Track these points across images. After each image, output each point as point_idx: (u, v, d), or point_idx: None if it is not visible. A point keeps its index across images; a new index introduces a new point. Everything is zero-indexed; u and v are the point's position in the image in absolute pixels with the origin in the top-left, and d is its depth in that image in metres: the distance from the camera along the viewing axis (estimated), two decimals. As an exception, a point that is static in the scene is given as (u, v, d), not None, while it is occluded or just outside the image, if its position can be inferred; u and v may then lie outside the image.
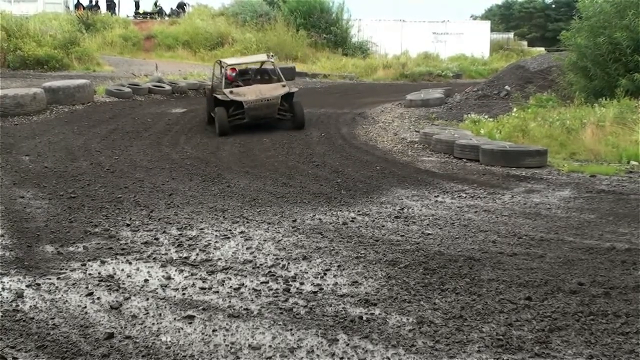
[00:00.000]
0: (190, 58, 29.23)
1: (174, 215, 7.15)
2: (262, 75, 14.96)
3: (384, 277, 5.10)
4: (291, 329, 4.19)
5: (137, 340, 4.05)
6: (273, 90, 13.58)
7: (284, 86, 13.76)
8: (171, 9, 38.53)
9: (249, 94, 13.32)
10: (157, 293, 4.86)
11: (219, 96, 13.34)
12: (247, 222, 6.83)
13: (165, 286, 4.99)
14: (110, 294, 4.84)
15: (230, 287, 4.96)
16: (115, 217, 7.05)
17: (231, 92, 13.24)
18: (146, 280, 5.12)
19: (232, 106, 13.12)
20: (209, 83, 16.31)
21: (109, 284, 5.04)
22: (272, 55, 14.99)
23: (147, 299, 4.73)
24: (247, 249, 5.92)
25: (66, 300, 4.71)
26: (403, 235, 6.29)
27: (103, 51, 27.58)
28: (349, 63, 28.35)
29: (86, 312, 4.49)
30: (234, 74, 14.24)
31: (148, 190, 8.38)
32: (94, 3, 35.91)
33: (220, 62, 14.70)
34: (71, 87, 15.96)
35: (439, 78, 25.99)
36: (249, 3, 33.89)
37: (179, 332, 4.17)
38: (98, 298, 4.75)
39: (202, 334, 4.14)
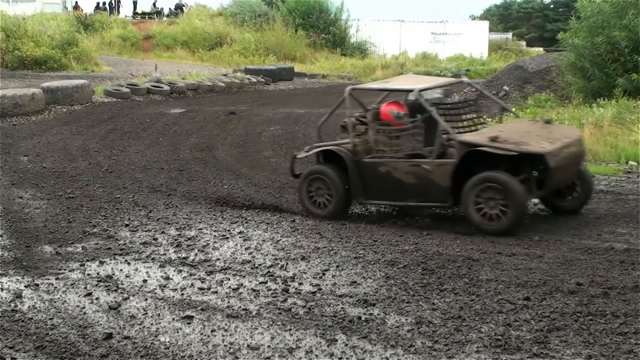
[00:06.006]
0: (189, 58, 29.27)
1: (173, 215, 7.14)
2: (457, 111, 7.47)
3: (383, 277, 5.10)
4: (290, 329, 4.18)
5: (136, 341, 4.04)
6: (562, 131, 7.24)
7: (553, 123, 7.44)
8: (169, 9, 38.55)
9: (530, 139, 6.58)
10: (155, 293, 4.85)
11: (495, 150, 6.28)
12: (246, 222, 6.82)
13: (164, 286, 4.99)
14: (108, 294, 4.83)
15: (229, 287, 4.96)
16: (114, 218, 7.04)
17: (495, 140, 6.38)
18: (145, 281, 5.12)
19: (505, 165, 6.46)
20: (208, 84, 15.58)
21: (107, 284, 5.04)
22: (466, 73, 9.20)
23: (146, 299, 4.72)
24: (245, 249, 5.92)
25: (65, 301, 4.71)
26: (402, 235, 6.29)
27: (101, 51, 27.60)
28: (347, 63, 28.37)
29: (85, 313, 4.49)
30: (401, 113, 7.06)
31: (147, 190, 8.37)
32: (100, 5, 35.95)
33: (353, 89, 7.88)
34: (69, 87, 15.95)
35: (438, 78, 25.97)
36: (247, 3, 33.94)
37: (178, 332, 4.17)
38: (97, 298, 4.75)
39: (201, 334, 4.14)
